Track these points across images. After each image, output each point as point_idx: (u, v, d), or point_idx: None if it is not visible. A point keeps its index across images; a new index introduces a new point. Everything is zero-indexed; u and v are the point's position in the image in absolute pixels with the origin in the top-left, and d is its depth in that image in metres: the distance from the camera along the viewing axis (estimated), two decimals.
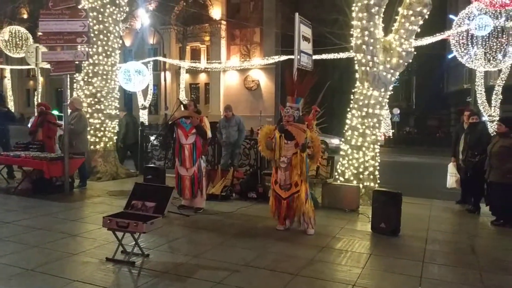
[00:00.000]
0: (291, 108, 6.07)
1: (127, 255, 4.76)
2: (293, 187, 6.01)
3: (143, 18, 31.00)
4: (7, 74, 33.12)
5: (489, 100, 22.00)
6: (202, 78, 38.46)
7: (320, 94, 6.28)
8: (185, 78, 34.42)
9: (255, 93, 35.15)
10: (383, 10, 8.24)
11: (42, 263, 4.58)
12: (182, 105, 7.24)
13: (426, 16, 8.21)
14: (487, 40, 16.62)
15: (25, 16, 37.29)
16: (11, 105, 30.36)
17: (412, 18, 8.12)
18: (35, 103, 17.65)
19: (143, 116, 33.44)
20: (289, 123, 5.99)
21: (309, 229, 6.07)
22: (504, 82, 21.60)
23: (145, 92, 31.54)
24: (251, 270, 4.61)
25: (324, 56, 21.42)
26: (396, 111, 34.12)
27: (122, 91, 28.99)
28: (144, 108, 33.20)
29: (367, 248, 5.58)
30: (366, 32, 8.08)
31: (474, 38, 16.63)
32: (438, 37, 18.11)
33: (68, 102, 8.69)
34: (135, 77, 24.77)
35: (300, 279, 4.41)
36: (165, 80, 34.27)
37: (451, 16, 21.38)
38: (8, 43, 20.15)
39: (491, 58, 16.97)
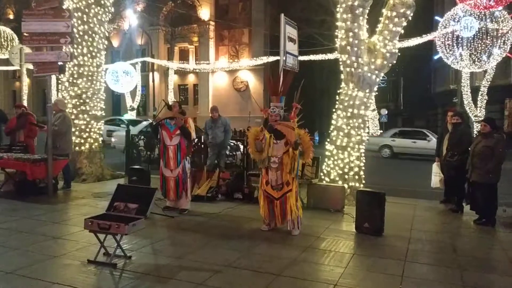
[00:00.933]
0: (277, 108, 6.09)
1: (109, 257, 4.73)
2: (285, 187, 6.00)
3: (131, 18, 30.86)
4: None
5: (475, 101, 22.26)
6: (191, 79, 38.35)
7: (297, 90, 6.28)
8: (173, 79, 34.27)
9: (244, 94, 35.11)
10: (367, 11, 8.29)
11: (23, 265, 4.53)
12: (167, 106, 7.21)
13: (410, 18, 8.28)
14: (472, 41, 16.80)
15: (11, 16, 36.87)
16: None
17: (396, 20, 8.19)
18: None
19: (132, 118, 33.24)
20: (277, 122, 5.99)
21: (294, 230, 6.07)
22: (489, 83, 21.88)
23: (133, 93, 31.37)
24: (234, 270, 4.61)
25: (312, 57, 21.52)
26: (384, 111, 34.32)
27: (110, 92, 28.86)
28: (133, 109, 33.02)
29: (350, 248, 5.62)
30: (351, 33, 8.13)
31: (460, 39, 16.80)
32: (424, 38, 18.27)
33: (52, 103, 8.59)
34: (123, 78, 24.69)
35: (283, 279, 4.41)
36: (153, 81, 34.10)
37: (437, 18, 21.57)
38: None
39: (476, 59, 17.16)
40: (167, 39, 35.75)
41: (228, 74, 35.54)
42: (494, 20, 16.38)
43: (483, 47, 16.87)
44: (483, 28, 16.55)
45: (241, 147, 10.08)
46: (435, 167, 8.53)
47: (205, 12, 35.19)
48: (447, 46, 16.87)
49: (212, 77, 36.36)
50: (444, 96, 33.06)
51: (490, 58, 17.15)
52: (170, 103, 7.36)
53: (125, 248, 4.96)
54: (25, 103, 14.98)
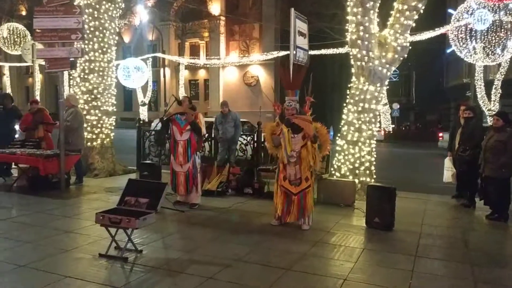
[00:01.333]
0: (293, 101, 6.05)
1: (120, 251, 4.77)
2: (303, 182, 5.98)
3: (142, 14, 30.97)
4: (6, 71, 33.08)
5: (488, 94, 21.98)
6: (201, 74, 38.44)
7: (308, 84, 6.23)
8: (184, 74, 34.40)
9: (255, 89, 35.11)
10: (378, 5, 8.22)
11: (35, 259, 4.60)
12: (177, 101, 7.23)
13: (421, 11, 8.17)
14: (486, 34, 16.56)
15: (24, 13, 37.20)
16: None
17: (407, 13, 8.10)
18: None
19: (143, 113, 33.47)
20: (294, 116, 5.96)
21: (305, 225, 6.07)
22: (503, 76, 21.56)
23: (144, 88, 31.55)
24: (244, 265, 4.63)
25: (322, 51, 21.41)
26: (396, 106, 34.11)
27: (122, 87, 29.04)
28: (144, 104, 33.21)
29: (360, 243, 5.59)
30: (361, 27, 8.06)
31: (473, 32, 16.57)
32: (437, 32, 18.04)
33: (64, 99, 8.67)
34: (134, 73, 24.80)
35: (292, 273, 4.42)
36: (164, 76, 34.27)
37: (450, 10, 21.30)
38: (6, 40, 20.13)
39: (490, 52, 16.92)
40: (178, 35, 35.84)
41: (238, 69, 35.55)
42: (508, 12, 16.11)
43: (497, 40, 16.63)
44: (497, 21, 16.30)
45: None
46: (447, 162, 8.46)
47: (215, 7, 35.18)
48: (461, 39, 16.64)
49: (223, 72, 36.40)
50: (457, 90, 32.69)
51: (504, 51, 16.90)
52: (180, 98, 7.39)
53: (136, 242, 5.01)
54: (38, 98, 15.13)
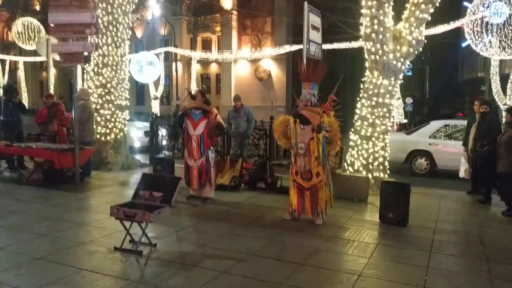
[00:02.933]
0: (308, 94, 6.02)
1: (134, 244, 4.81)
2: (314, 177, 5.94)
3: (154, 8, 30.99)
4: (21, 65, 33.44)
5: (504, 89, 21.64)
6: (213, 68, 38.45)
7: (336, 85, 6.17)
8: (196, 68, 34.39)
9: (266, 83, 35.03)
10: None
11: (51, 252, 4.65)
12: (190, 95, 7.24)
13: (437, 4, 8.06)
14: (502, 27, 16.28)
15: (38, 7, 37.53)
16: (24, 97, 30.67)
17: (423, 6, 7.98)
18: None
19: (155, 107, 33.57)
20: (302, 107, 5.93)
21: (318, 219, 6.04)
22: None
23: (156, 83, 31.60)
24: (257, 259, 4.63)
25: (335, 46, 21.25)
26: (409, 100, 33.69)
27: (134, 82, 29.12)
28: (156, 99, 33.30)
29: (374, 238, 5.56)
30: (376, 21, 7.97)
31: (489, 25, 16.30)
32: (452, 25, 17.82)
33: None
34: (147, 68, 24.85)
35: (306, 268, 4.41)
36: (176, 71, 34.29)
37: (465, 4, 20.95)
38: (21, 35, 20.30)
39: (506, 46, 16.63)
40: (190, 29, 35.86)
41: (250, 63, 35.47)
42: None
43: None
44: None
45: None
46: (462, 158, 8.36)
47: (227, 1, 35.09)
48: (476, 32, 16.39)
49: (235, 66, 36.36)
50: (472, 84, 32.25)
51: None
52: (193, 92, 7.39)
53: (150, 235, 5.04)
54: (52, 92, 15.26)
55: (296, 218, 6.18)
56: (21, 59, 33.25)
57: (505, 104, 21.23)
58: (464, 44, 21.88)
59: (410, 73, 44.95)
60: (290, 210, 6.20)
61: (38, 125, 9.52)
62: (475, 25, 16.41)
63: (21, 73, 33.32)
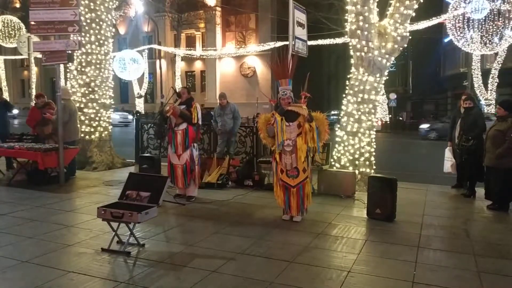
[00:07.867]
0: (287, 90, 5.98)
1: (122, 245, 4.75)
2: (301, 174, 5.89)
3: (137, 5, 30.70)
4: (1, 64, 32.81)
5: (485, 84, 22.02)
6: (198, 65, 38.27)
7: (305, 80, 6.14)
8: (180, 66, 34.22)
9: (252, 80, 35.00)
10: None
11: (37, 254, 4.57)
12: (176, 93, 7.17)
13: (421, 0, 8.13)
14: (483, 23, 16.53)
15: (18, 5, 36.85)
16: (5, 96, 30.10)
17: (407, 2, 8.05)
18: (30, 93, 17.48)
19: (139, 105, 33.31)
20: (287, 104, 5.90)
21: (299, 216, 6.02)
22: (500, 65, 21.59)
23: (140, 80, 31.39)
24: (247, 258, 4.61)
25: (320, 42, 21.33)
26: (393, 96, 34.04)
27: (118, 80, 28.87)
28: (140, 96, 33.05)
29: (362, 234, 5.59)
30: (361, 17, 8.00)
31: (470, 21, 16.53)
32: (434, 21, 18.02)
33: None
34: (130, 65, 24.64)
35: (296, 266, 4.41)
36: (160, 68, 34.07)
37: (447, 0, 21.19)
38: (1, 33, 19.93)
39: (488, 41, 16.90)
40: (174, 26, 35.62)
41: (235, 60, 35.40)
42: (506, 1, 16.06)
43: (494, 29, 16.61)
44: (494, 10, 16.26)
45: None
46: (448, 152, 8.45)
47: None
48: (458, 28, 16.62)
49: (219, 63, 36.25)
50: (454, 79, 32.70)
51: (502, 40, 16.90)
52: (178, 90, 7.33)
53: (138, 236, 4.99)
54: (33, 92, 15.01)
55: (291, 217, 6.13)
56: (1, 58, 32.63)
57: (486, 99, 21.60)
58: (446, 40, 22.19)
59: (393, 69, 45.36)
60: (285, 210, 6.15)
61: (31, 128, 9.20)
62: (457, 21, 16.63)
63: (1, 72, 32.70)
